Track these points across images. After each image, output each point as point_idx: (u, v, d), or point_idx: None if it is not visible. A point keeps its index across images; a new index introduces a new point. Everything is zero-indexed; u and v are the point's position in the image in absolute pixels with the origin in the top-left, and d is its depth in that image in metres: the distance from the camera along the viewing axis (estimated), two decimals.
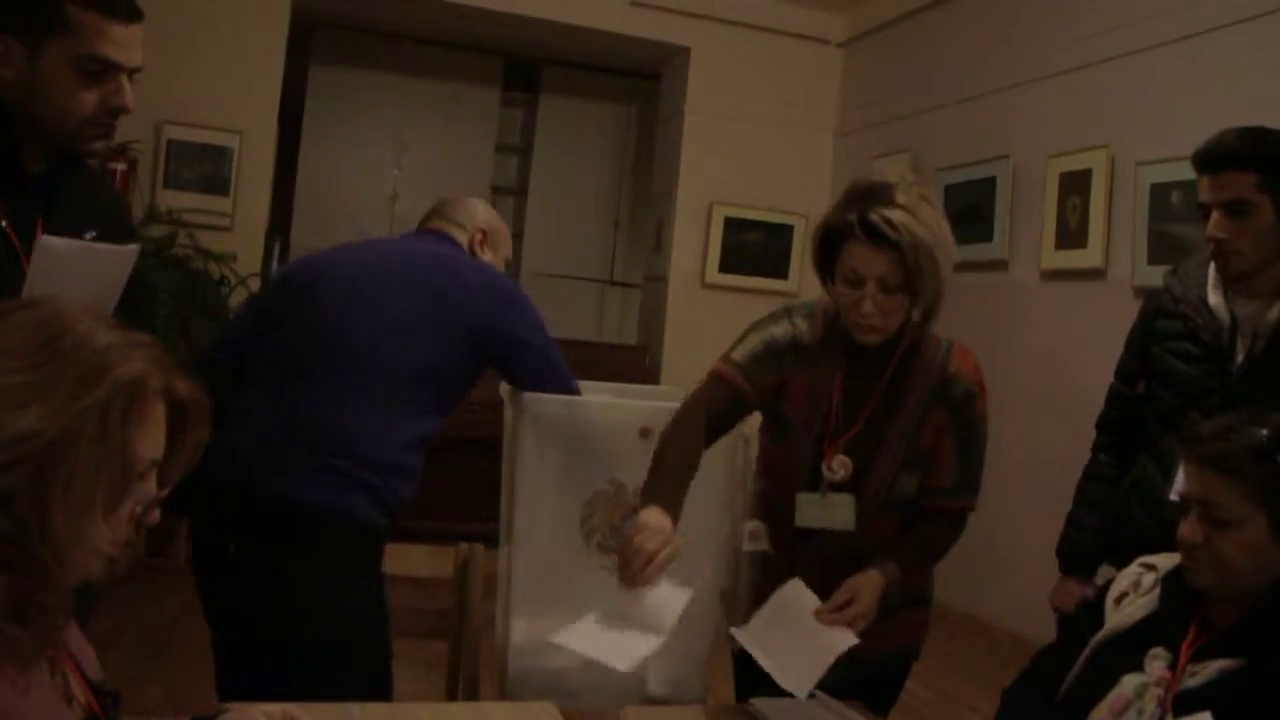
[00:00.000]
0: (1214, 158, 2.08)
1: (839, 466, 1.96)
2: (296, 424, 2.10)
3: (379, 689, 2.11)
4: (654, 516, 1.76)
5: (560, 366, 2.25)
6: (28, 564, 1.04)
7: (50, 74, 1.63)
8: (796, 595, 1.89)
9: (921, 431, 1.98)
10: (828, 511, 1.98)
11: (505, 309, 2.25)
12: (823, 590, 1.89)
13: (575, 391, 2.24)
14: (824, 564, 1.95)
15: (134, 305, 1.79)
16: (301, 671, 2.02)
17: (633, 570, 1.71)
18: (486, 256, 2.44)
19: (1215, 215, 2.07)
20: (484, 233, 2.46)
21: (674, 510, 1.81)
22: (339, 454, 2.07)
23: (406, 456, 2.16)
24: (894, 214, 1.83)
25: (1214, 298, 2.14)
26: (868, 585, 1.88)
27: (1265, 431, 1.53)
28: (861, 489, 1.97)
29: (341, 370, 2.13)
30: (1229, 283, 2.12)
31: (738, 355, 2.01)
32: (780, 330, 2.02)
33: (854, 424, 1.97)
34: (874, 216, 1.84)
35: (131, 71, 1.70)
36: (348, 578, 2.11)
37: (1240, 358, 2.09)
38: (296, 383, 2.13)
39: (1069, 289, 4.68)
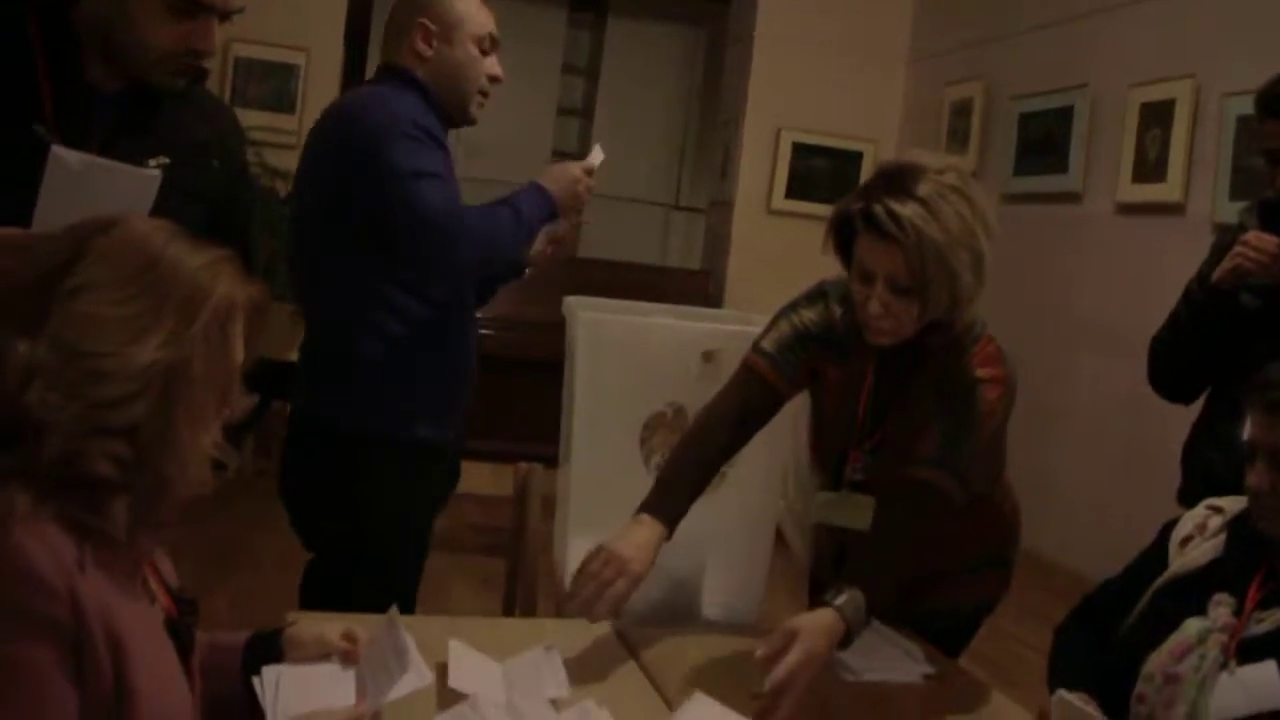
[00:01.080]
0: None
1: (862, 468, 1.88)
2: (304, 347, 2.17)
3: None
4: (629, 545, 1.68)
5: (430, 199, 1.91)
6: (151, 483, 1.11)
7: (138, 1, 1.61)
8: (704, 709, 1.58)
9: (918, 415, 1.80)
10: (845, 512, 1.89)
11: (364, 146, 1.95)
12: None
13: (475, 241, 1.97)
14: (838, 554, 1.95)
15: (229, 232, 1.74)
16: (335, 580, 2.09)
17: (582, 600, 1.65)
18: (429, 53, 2.06)
19: None
20: (425, 26, 2.04)
21: (670, 520, 1.75)
22: (327, 369, 2.11)
23: (387, 348, 2.04)
24: (904, 208, 1.63)
25: None
26: (812, 628, 1.58)
27: None
28: (880, 490, 1.87)
29: (307, 285, 2.17)
30: None
31: (768, 344, 1.89)
32: (814, 316, 1.89)
33: (881, 424, 1.87)
34: (879, 209, 1.64)
35: (226, 15, 1.65)
36: (354, 489, 2.07)
37: None
38: (300, 306, 2.20)
39: (1145, 224, 4.56)
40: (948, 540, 1.83)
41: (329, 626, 1.50)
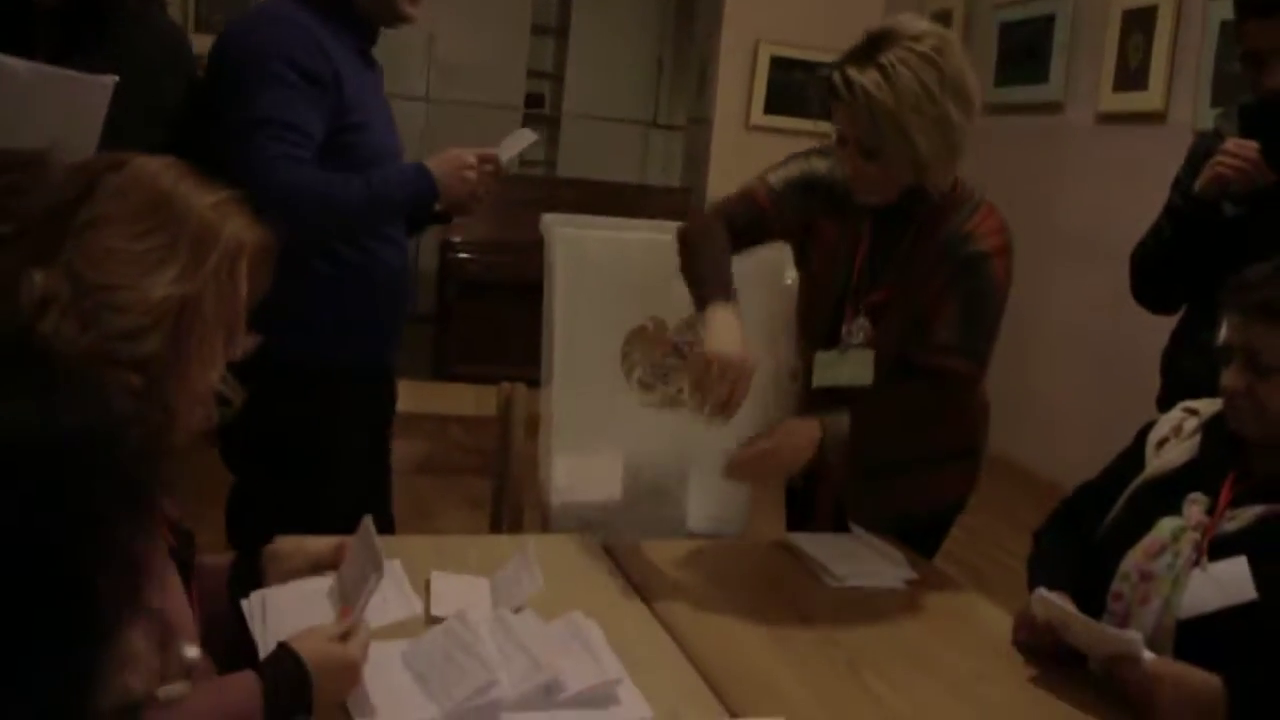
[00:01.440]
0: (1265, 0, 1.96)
1: (858, 330, 1.90)
2: None
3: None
4: (729, 342, 1.68)
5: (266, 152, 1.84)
6: (161, 415, 1.13)
7: None
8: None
9: (925, 292, 1.85)
10: (845, 368, 1.91)
11: (230, 76, 1.89)
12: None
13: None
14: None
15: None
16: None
17: (713, 407, 1.67)
18: None
19: (1272, 65, 1.96)
20: None
21: (734, 293, 1.78)
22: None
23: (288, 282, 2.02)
24: (861, 75, 1.70)
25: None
26: (787, 423, 1.79)
27: None
28: (877, 354, 1.89)
29: None
30: None
31: (773, 178, 1.94)
32: (823, 166, 1.93)
33: (876, 286, 1.90)
34: (837, 76, 1.73)
35: None
36: (285, 418, 2.01)
37: None
38: None
39: (1126, 133, 4.54)
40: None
41: (310, 541, 1.52)
